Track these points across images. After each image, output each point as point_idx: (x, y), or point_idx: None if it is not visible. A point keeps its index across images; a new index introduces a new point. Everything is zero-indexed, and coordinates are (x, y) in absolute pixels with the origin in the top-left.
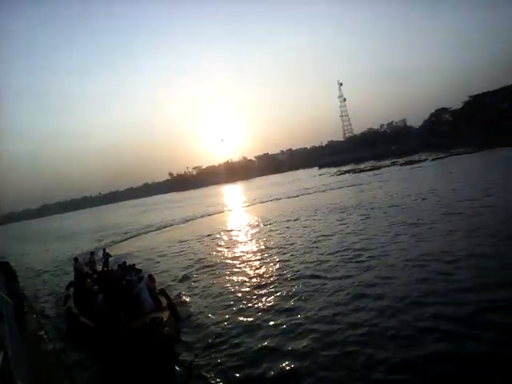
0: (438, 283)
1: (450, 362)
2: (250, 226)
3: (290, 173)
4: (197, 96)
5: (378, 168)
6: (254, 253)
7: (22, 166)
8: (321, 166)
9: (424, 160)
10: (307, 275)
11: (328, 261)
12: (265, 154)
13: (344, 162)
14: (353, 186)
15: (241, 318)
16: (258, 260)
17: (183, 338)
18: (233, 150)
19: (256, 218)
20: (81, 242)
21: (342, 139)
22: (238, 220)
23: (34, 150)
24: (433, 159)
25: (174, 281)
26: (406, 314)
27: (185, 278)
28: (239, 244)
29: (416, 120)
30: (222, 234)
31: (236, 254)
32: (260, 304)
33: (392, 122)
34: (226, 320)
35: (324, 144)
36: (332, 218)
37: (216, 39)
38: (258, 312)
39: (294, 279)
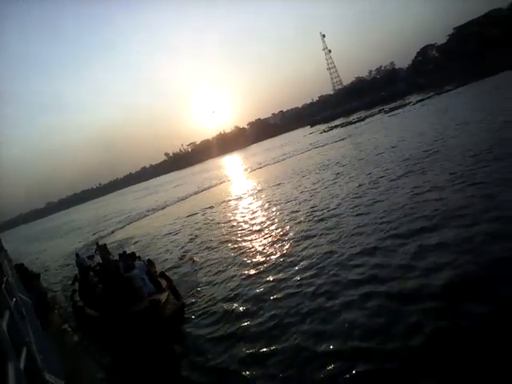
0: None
1: None
2: (239, 197)
3: (283, 135)
4: (185, 72)
5: (363, 119)
6: (247, 223)
7: (19, 169)
8: (312, 124)
9: (405, 105)
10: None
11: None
12: (257, 120)
13: (334, 116)
14: (335, 142)
15: (243, 292)
16: (252, 231)
17: (186, 316)
18: (226, 120)
19: (246, 188)
20: (84, 235)
21: (332, 93)
22: (231, 191)
23: (28, 150)
24: (414, 103)
25: (174, 260)
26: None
27: (185, 257)
28: (234, 215)
29: (406, 61)
30: (214, 209)
31: (231, 227)
32: (261, 277)
33: (380, 66)
34: (228, 294)
35: (315, 100)
36: (305, 180)
37: (197, 11)
38: (261, 284)
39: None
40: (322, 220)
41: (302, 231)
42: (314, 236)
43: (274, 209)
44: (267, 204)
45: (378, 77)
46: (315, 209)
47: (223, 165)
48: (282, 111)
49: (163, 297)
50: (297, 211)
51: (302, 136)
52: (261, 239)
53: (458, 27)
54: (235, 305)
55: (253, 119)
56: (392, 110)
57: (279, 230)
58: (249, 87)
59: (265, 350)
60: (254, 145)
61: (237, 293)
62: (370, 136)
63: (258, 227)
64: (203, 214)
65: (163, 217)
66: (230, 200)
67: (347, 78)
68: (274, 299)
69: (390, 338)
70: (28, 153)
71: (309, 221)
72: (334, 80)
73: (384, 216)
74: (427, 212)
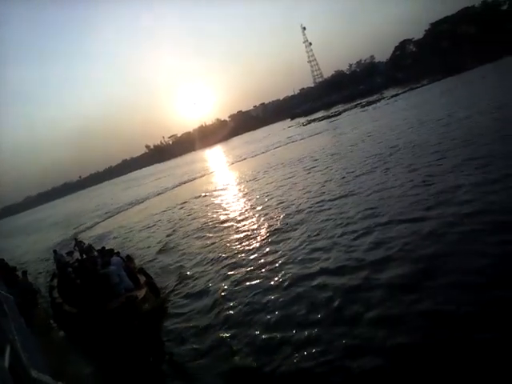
0: None
1: None
2: (213, 192)
3: (265, 128)
4: (166, 65)
5: (340, 114)
6: (221, 217)
7: None
8: (293, 117)
9: (380, 99)
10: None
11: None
12: (238, 112)
13: (314, 109)
14: (310, 136)
15: (221, 284)
16: (225, 225)
17: (165, 311)
18: (208, 112)
19: (222, 183)
20: (63, 230)
21: (313, 85)
22: (208, 186)
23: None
24: (389, 97)
25: (153, 254)
26: None
27: (164, 250)
28: (208, 210)
29: (385, 54)
30: (190, 203)
31: (209, 217)
32: (239, 266)
33: (360, 60)
34: (206, 287)
35: (296, 93)
36: (279, 172)
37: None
38: (240, 275)
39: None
40: (288, 214)
41: (271, 225)
42: (281, 229)
43: (248, 203)
44: (241, 198)
45: (358, 70)
46: (284, 204)
47: (203, 158)
48: (263, 103)
49: (141, 293)
50: (267, 206)
51: (281, 129)
52: (233, 232)
53: (434, 23)
54: (213, 298)
55: (235, 111)
56: (368, 104)
57: (250, 223)
58: (231, 79)
59: (242, 340)
60: (236, 137)
61: (214, 286)
62: (341, 131)
63: (232, 222)
64: (180, 208)
65: (144, 210)
66: (205, 195)
67: (328, 71)
68: (243, 289)
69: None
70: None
71: (275, 215)
72: (315, 73)
73: (345, 211)
74: (383, 208)
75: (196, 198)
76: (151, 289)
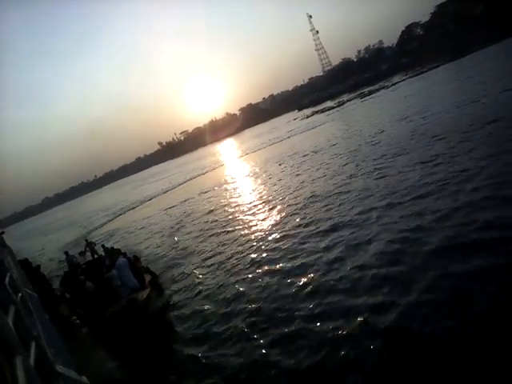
0: None
1: None
2: (214, 188)
3: (274, 120)
4: (176, 61)
5: (343, 103)
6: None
7: (15, 165)
8: (300, 108)
9: (381, 88)
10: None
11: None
12: (248, 105)
13: (321, 99)
14: (308, 130)
15: (224, 281)
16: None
17: (168, 310)
18: (218, 106)
19: (225, 178)
20: (79, 230)
21: (321, 74)
22: (212, 180)
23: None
24: (389, 86)
25: (159, 251)
26: None
27: (172, 246)
28: (211, 206)
29: (395, 38)
30: (194, 199)
31: (210, 219)
32: (239, 265)
33: (369, 45)
34: (207, 284)
35: (305, 82)
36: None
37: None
38: (242, 275)
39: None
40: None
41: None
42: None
43: (250, 197)
44: (241, 195)
45: (367, 56)
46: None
47: (213, 153)
48: (272, 95)
49: (143, 294)
50: (268, 201)
51: (285, 122)
52: (240, 227)
53: (439, 5)
54: (218, 296)
55: (244, 104)
56: (370, 93)
57: (251, 219)
58: (240, 72)
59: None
60: (247, 130)
61: (221, 283)
62: (336, 124)
63: (237, 215)
64: (185, 204)
65: (151, 207)
66: (208, 191)
67: (338, 59)
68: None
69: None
70: (18, 147)
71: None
72: (323, 61)
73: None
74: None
75: (198, 195)
76: (156, 287)
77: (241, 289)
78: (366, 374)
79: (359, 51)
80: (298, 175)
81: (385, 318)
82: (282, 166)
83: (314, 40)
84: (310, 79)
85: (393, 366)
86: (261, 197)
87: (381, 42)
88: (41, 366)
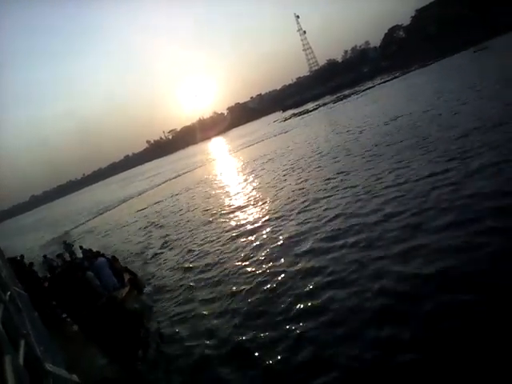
0: None
1: None
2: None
3: (262, 119)
4: (165, 61)
5: (318, 107)
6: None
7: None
8: (284, 109)
9: (351, 94)
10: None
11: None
12: (236, 104)
13: (304, 101)
14: (279, 134)
15: (201, 277)
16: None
17: (147, 308)
18: (207, 105)
19: (201, 178)
20: (63, 227)
21: (309, 74)
22: (189, 181)
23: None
24: (362, 91)
25: (137, 251)
26: None
27: (147, 248)
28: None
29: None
30: (171, 199)
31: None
32: (216, 261)
33: (355, 46)
34: (185, 280)
35: (293, 82)
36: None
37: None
38: (219, 270)
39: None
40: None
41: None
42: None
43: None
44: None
45: (353, 56)
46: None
47: (200, 151)
48: (260, 94)
49: (123, 292)
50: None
51: (267, 124)
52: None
53: (420, 9)
54: (198, 292)
55: (232, 103)
56: (344, 98)
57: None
58: (229, 71)
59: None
60: (234, 129)
61: (198, 278)
62: (308, 129)
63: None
64: (160, 204)
65: (133, 205)
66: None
67: (326, 58)
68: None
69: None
70: (4, 146)
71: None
72: (310, 61)
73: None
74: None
75: (172, 196)
76: (135, 286)
77: (219, 281)
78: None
79: (346, 51)
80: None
81: None
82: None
83: (302, 40)
84: (297, 79)
85: None
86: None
87: (367, 42)
88: (30, 364)
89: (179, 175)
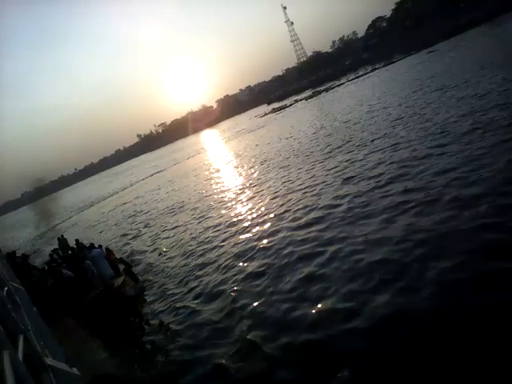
0: None
1: None
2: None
3: (251, 110)
4: (155, 53)
5: (294, 103)
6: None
7: None
8: (269, 102)
9: (320, 92)
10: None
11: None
12: (225, 97)
13: (287, 94)
14: (251, 131)
15: (193, 265)
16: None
17: (144, 295)
18: (197, 97)
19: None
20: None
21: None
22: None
23: None
24: (327, 89)
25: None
26: None
27: (139, 238)
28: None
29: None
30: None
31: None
32: (208, 250)
33: (343, 36)
34: (179, 270)
35: (282, 73)
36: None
37: None
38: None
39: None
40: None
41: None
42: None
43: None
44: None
45: (341, 46)
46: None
47: (187, 145)
48: (249, 86)
49: (119, 281)
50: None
51: (249, 118)
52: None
53: (399, 2)
54: (189, 281)
55: (222, 95)
56: (319, 93)
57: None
58: (219, 63)
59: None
60: (225, 121)
61: (188, 268)
62: (269, 130)
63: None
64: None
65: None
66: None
67: (316, 48)
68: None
69: None
70: None
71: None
72: (299, 52)
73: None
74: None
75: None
76: (130, 276)
77: (205, 265)
78: None
79: (334, 42)
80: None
81: None
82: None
83: (290, 31)
84: (286, 70)
85: None
86: None
87: (354, 33)
88: (30, 359)
89: (164, 169)
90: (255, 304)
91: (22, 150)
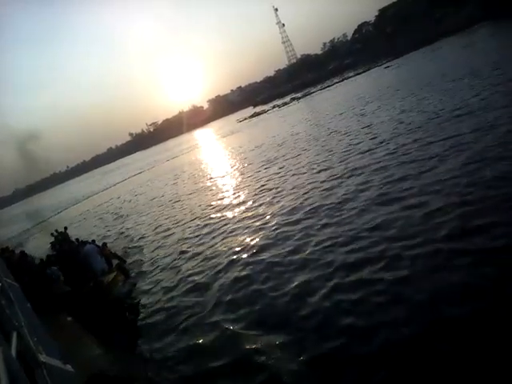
0: None
1: None
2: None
3: (241, 111)
4: (148, 51)
5: (269, 110)
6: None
7: None
8: (255, 105)
9: (304, 96)
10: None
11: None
12: (217, 97)
13: (271, 97)
14: (226, 136)
15: (183, 263)
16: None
17: (134, 291)
18: (188, 98)
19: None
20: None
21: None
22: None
23: None
24: (312, 92)
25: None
26: None
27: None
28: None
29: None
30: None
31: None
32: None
33: (334, 38)
34: (169, 264)
35: (273, 75)
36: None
37: None
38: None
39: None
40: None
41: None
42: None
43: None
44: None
45: (331, 48)
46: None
47: (177, 144)
48: (240, 87)
49: (110, 277)
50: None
51: (232, 121)
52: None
53: (382, 9)
54: (180, 275)
55: (213, 96)
56: (297, 99)
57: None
58: (212, 62)
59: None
60: (217, 121)
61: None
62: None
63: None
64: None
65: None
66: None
67: (306, 51)
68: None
69: None
70: None
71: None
72: (289, 54)
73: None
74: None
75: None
76: (122, 271)
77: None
78: None
79: (325, 44)
80: None
81: None
82: None
83: (281, 33)
84: (276, 71)
85: None
86: None
87: (345, 35)
88: (23, 355)
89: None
90: (254, 314)
91: (16, 147)
